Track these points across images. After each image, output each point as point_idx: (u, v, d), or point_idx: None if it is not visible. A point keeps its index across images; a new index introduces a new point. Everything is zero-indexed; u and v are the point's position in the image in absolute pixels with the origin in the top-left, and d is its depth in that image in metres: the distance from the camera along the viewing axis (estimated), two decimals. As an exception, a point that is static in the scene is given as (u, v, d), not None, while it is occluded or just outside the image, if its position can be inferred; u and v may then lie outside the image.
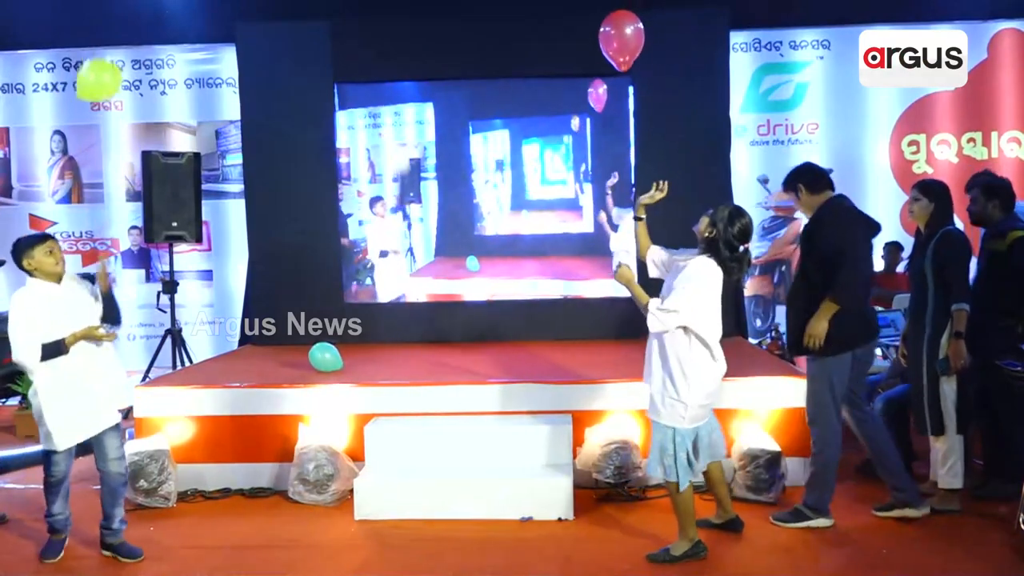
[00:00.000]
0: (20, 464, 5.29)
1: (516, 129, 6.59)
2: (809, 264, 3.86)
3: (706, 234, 3.46)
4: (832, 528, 3.88)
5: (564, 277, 6.60)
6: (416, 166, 6.66)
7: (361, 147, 6.68)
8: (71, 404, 3.60)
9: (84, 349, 3.62)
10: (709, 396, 3.51)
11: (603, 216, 6.54)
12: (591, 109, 6.48)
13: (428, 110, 6.63)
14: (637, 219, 3.80)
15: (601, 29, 5.31)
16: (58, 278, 3.63)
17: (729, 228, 3.42)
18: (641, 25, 5.25)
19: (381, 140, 6.70)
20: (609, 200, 6.51)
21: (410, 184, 6.66)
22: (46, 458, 3.69)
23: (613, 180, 6.48)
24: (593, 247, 6.56)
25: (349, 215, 6.68)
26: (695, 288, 3.38)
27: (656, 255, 3.73)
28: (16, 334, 3.53)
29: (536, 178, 6.60)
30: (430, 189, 6.66)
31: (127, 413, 3.96)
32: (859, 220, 3.86)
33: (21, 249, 3.60)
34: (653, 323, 3.38)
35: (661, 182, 3.71)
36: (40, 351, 3.51)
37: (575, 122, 6.51)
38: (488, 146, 6.61)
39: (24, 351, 3.52)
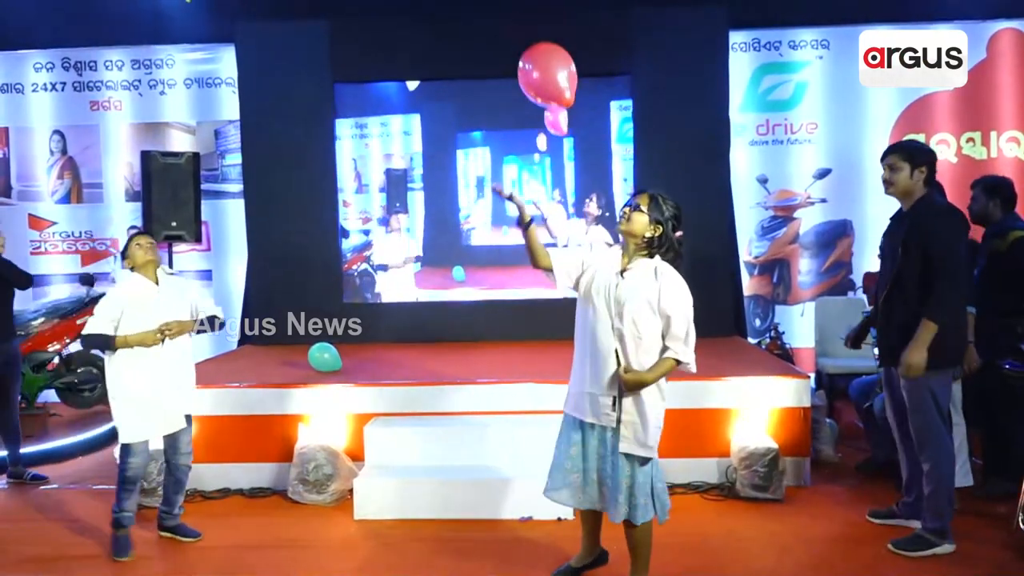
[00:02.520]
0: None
1: (497, 143, 6.58)
2: (904, 271, 3.47)
3: (648, 234, 3.03)
4: (836, 529, 3.89)
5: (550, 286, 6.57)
6: (403, 177, 6.67)
7: (347, 157, 6.68)
8: (139, 401, 3.68)
9: (159, 351, 3.70)
10: None
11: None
12: (573, 123, 6.42)
13: (415, 121, 6.63)
14: (527, 225, 3.15)
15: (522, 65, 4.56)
16: (151, 270, 3.75)
17: (672, 219, 3.04)
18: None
19: (368, 151, 6.70)
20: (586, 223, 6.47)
21: (397, 195, 6.66)
22: (121, 452, 3.74)
23: (591, 204, 6.45)
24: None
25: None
26: (690, 308, 3.03)
27: (569, 262, 3.18)
28: (91, 320, 3.68)
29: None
30: (417, 200, 6.65)
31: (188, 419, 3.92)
32: (961, 222, 3.52)
33: (123, 249, 3.81)
34: (692, 364, 3.04)
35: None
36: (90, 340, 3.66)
37: (542, 140, 6.49)
38: (472, 160, 6.58)
39: (83, 334, 3.69)
